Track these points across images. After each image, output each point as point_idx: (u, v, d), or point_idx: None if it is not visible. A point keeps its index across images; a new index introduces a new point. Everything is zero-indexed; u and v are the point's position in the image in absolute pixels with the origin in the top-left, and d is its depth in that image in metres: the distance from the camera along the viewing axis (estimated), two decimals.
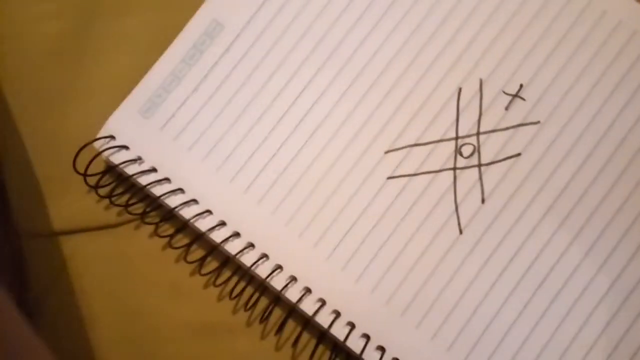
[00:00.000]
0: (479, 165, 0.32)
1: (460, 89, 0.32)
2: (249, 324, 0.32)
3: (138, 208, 0.33)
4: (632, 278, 0.30)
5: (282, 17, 0.34)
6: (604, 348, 0.29)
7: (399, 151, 0.32)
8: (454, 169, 0.32)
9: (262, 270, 0.31)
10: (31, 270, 0.33)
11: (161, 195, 0.32)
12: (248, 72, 0.33)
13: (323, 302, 0.30)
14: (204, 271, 0.32)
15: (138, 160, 0.33)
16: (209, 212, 0.32)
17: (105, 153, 0.33)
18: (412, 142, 0.32)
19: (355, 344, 0.30)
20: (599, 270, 0.30)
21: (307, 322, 0.31)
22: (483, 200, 0.31)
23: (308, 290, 0.31)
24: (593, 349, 0.29)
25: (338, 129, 0.32)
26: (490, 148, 0.32)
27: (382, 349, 0.30)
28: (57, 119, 0.35)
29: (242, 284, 0.32)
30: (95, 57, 0.35)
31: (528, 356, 0.29)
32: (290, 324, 0.31)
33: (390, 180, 0.32)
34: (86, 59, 0.35)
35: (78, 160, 0.32)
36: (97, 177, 0.33)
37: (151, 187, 0.32)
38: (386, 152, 0.32)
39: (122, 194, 0.33)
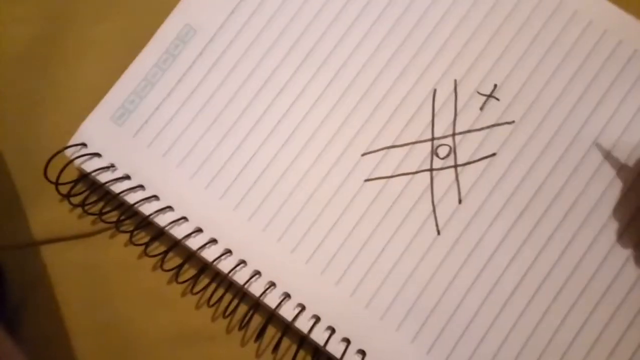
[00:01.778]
0: (455, 166, 0.32)
1: (435, 90, 0.32)
2: (228, 330, 0.31)
3: (112, 216, 0.32)
4: (608, 274, 0.30)
5: (255, 21, 0.33)
6: (583, 347, 0.30)
7: (376, 153, 0.32)
8: (431, 170, 0.32)
9: (241, 277, 0.31)
10: (7, 281, 0.32)
11: (135, 203, 0.31)
12: (222, 77, 0.33)
13: (302, 307, 0.30)
14: (181, 279, 0.32)
15: (111, 167, 0.32)
16: (184, 219, 0.31)
17: (77, 161, 0.32)
18: (389, 144, 0.32)
19: (335, 348, 0.30)
20: (576, 268, 0.30)
21: (287, 328, 0.31)
22: (460, 201, 0.31)
23: (287, 296, 0.30)
24: (571, 347, 0.30)
25: (314, 133, 0.32)
26: (466, 148, 0.32)
27: (362, 353, 0.30)
28: (28, 127, 0.34)
29: (220, 291, 0.32)
30: (67, 62, 0.35)
31: (508, 356, 0.30)
32: (271, 330, 0.31)
33: (367, 183, 0.32)
34: (58, 65, 0.35)
35: (50, 168, 0.32)
36: (70, 185, 0.32)
37: (125, 195, 0.32)
38: (363, 155, 0.32)
39: (95, 202, 0.32)
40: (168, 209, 0.32)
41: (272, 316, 0.31)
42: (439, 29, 0.33)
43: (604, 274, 0.30)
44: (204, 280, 0.32)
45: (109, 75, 0.33)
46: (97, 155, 0.32)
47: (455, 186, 0.31)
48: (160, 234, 0.32)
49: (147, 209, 0.31)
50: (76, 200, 0.32)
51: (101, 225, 0.33)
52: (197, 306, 0.32)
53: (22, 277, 0.32)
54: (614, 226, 0.31)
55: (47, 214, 0.33)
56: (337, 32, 0.33)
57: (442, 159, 0.32)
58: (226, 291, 0.32)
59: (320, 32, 0.33)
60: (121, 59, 0.33)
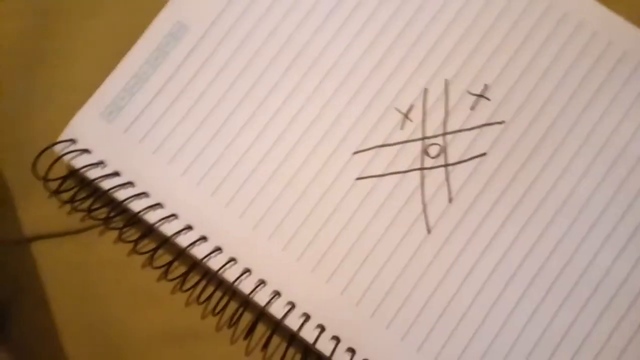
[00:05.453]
0: (446, 165, 0.32)
1: (426, 90, 0.33)
2: (218, 328, 0.31)
3: (101, 213, 0.32)
4: (597, 272, 0.30)
5: (247, 18, 0.33)
6: (573, 344, 0.30)
7: (367, 152, 0.32)
8: (422, 169, 0.32)
9: (231, 275, 0.31)
10: None
11: (125, 200, 0.31)
12: (214, 74, 0.33)
13: (292, 305, 0.30)
14: (170, 276, 0.32)
15: (101, 164, 0.32)
16: (174, 216, 0.31)
17: (67, 157, 0.32)
18: (380, 143, 0.32)
19: (325, 346, 0.30)
20: (565, 266, 0.31)
21: (277, 326, 0.31)
22: (450, 200, 0.31)
23: (277, 294, 0.30)
24: (561, 344, 0.30)
25: (306, 131, 0.32)
26: (457, 148, 0.32)
27: (352, 351, 0.30)
28: (19, 122, 0.34)
29: (210, 289, 0.32)
30: (58, 58, 0.34)
31: (497, 354, 0.30)
32: (260, 328, 0.31)
33: (358, 181, 0.32)
34: (49, 61, 0.34)
35: (39, 164, 0.32)
36: (59, 181, 0.32)
37: (114, 192, 0.31)
38: (354, 153, 0.32)
39: (84, 198, 0.32)
40: (158, 206, 0.31)
41: (261, 314, 0.31)
42: (430, 28, 0.33)
43: (593, 271, 0.30)
44: (193, 278, 0.32)
45: (100, 71, 0.33)
46: (87, 151, 0.32)
47: (445, 185, 0.32)
48: (150, 231, 0.32)
49: (136, 205, 0.31)
50: (65, 196, 0.32)
51: (91, 222, 0.32)
52: (187, 303, 0.32)
53: (11, 273, 0.32)
54: (604, 225, 0.31)
55: (37, 211, 0.33)
56: (328, 31, 0.33)
57: (433, 158, 0.32)
58: (216, 289, 0.31)
59: (312, 31, 0.33)
60: (112, 55, 0.33)
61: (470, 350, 0.30)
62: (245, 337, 0.31)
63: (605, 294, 0.30)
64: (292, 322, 0.30)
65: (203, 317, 0.31)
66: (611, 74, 0.32)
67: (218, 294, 0.31)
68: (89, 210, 0.32)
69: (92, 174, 0.32)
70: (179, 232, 0.31)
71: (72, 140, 0.32)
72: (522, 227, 0.31)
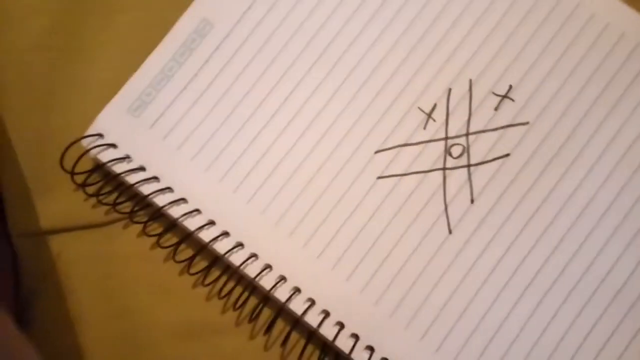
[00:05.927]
0: (468, 166, 0.32)
1: (450, 90, 0.33)
2: (237, 323, 0.32)
3: (126, 207, 0.33)
4: (621, 276, 0.30)
5: (272, 16, 0.34)
6: (592, 349, 0.30)
7: (389, 151, 0.32)
8: (444, 169, 0.32)
9: (251, 270, 0.31)
10: (21, 269, 0.33)
11: (150, 194, 0.32)
12: (238, 71, 0.33)
13: (312, 302, 0.30)
14: (192, 270, 0.32)
15: (126, 158, 0.32)
16: (197, 211, 0.32)
17: (93, 151, 0.32)
18: (402, 142, 0.32)
19: (344, 343, 0.30)
20: (587, 270, 0.30)
21: (296, 322, 0.31)
22: (472, 201, 0.31)
23: (297, 290, 0.31)
24: (581, 349, 0.29)
25: (328, 129, 0.32)
26: (480, 148, 0.32)
27: (371, 349, 0.30)
28: (45, 117, 0.34)
29: (231, 284, 0.32)
30: (84, 53, 0.35)
31: (517, 356, 0.30)
32: (280, 324, 0.31)
33: (380, 180, 0.32)
34: (75, 56, 0.35)
35: (66, 158, 0.32)
36: (85, 175, 0.33)
37: (139, 186, 0.32)
38: (376, 152, 0.32)
39: (110, 192, 0.33)
40: (182, 201, 0.32)
41: (281, 310, 0.31)
42: (454, 28, 0.33)
43: (615, 276, 0.30)
44: (214, 273, 0.32)
45: (126, 67, 0.33)
46: (113, 146, 0.33)
47: (467, 186, 0.31)
48: (173, 225, 0.32)
49: (161, 200, 0.32)
50: (91, 190, 0.33)
51: (115, 215, 0.33)
52: (208, 298, 0.32)
53: (35, 265, 0.33)
54: (627, 229, 0.30)
55: (61, 204, 0.33)
56: (352, 29, 0.33)
57: (455, 158, 0.32)
58: (237, 284, 0.32)
59: (336, 29, 0.33)
60: (138, 52, 0.34)
61: (490, 352, 0.30)
62: (265, 333, 0.31)
63: (626, 299, 0.30)
64: (312, 319, 0.30)
65: (223, 311, 0.32)
66: (638, 77, 0.32)
67: (239, 289, 0.32)
68: (114, 204, 0.32)
69: (118, 168, 0.32)
70: (201, 227, 0.31)
71: (99, 135, 0.33)
72: (545, 229, 0.31)
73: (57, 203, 0.33)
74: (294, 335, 0.31)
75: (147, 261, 0.32)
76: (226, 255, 0.31)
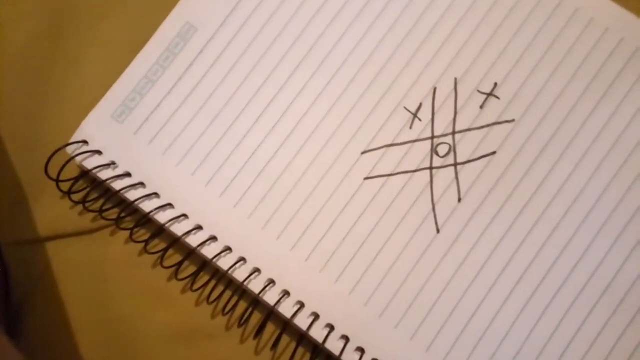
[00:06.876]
0: (455, 164, 0.32)
1: (435, 89, 0.32)
2: (227, 327, 0.32)
3: (112, 213, 0.32)
4: (609, 271, 0.30)
5: (255, 19, 0.33)
6: (582, 345, 0.30)
7: (375, 151, 0.32)
8: (430, 168, 0.32)
9: (240, 274, 0.31)
10: (12, 277, 0.33)
11: (136, 200, 0.32)
12: (222, 74, 0.33)
13: (301, 305, 0.30)
14: (180, 276, 0.32)
15: (112, 164, 0.32)
16: (184, 216, 0.32)
17: (78, 158, 0.32)
18: (388, 142, 0.32)
19: (334, 345, 0.30)
20: (576, 266, 0.30)
21: (286, 325, 0.31)
22: (459, 199, 0.31)
23: (286, 293, 0.31)
24: (570, 346, 0.30)
25: (314, 130, 0.32)
26: (466, 147, 0.32)
27: (361, 350, 0.30)
28: (31, 123, 0.34)
29: (220, 288, 0.32)
30: (69, 59, 0.35)
31: (506, 354, 0.30)
32: (270, 327, 0.31)
33: (367, 181, 0.32)
34: (60, 62, 0.35)
35: (51, 165, 0.32)
36: (70, 182, 0.32)
37: (125, 192, 0.32)
38: (362, 153, 0.32)
39: (96, 199, 0.33)
40: (168, 206, 0.32)
41: (271, 313, 0.31)
42: (438, 27, 0.33)
43: (604, 271, 0.30)
44: (203, 277, 0.32)
45: (111, 72, 0.33)
46: (98, 152, 0.32)
47: (454, 184, 0.31)
48: (160, 231, 0.32)
49: (147, 206, 0.32)
50: (77, 197, 0.33)
51: (102, 222, 0.33)
52: (197, 303, 0.32)
53: (25, 273, 0.33)
54: (614, 225, 0.30)
55: (49, 211, 0.33)
56: (336, 30, 0.33)
57: (442, 157, 0.32)
58: (225, 288, 0.32)
59: (320, 30, 0.33)
60: (122, 57, 0.33)
61: (480, 350, 0.30)
62: (255, 337, 0.31)
63: (614, 294, 0.30)
64: (301, 322, 0.30)
65: (213, 316, 0.32)
66: (622, 71, 0.32)
67: (228, 293, 0.32)
68: (100, 211, 0.32)
69: (103, 174, 0.32)
70: (188, 232, 0.31)
71: (84, 142, 0.32)
72: (532, 226, 0.31)
73: (45, 211, 0.33)
74: (285, 338, 0.31)
75: (136, 267, 0.32)
76: (214, 260, 0.31)
